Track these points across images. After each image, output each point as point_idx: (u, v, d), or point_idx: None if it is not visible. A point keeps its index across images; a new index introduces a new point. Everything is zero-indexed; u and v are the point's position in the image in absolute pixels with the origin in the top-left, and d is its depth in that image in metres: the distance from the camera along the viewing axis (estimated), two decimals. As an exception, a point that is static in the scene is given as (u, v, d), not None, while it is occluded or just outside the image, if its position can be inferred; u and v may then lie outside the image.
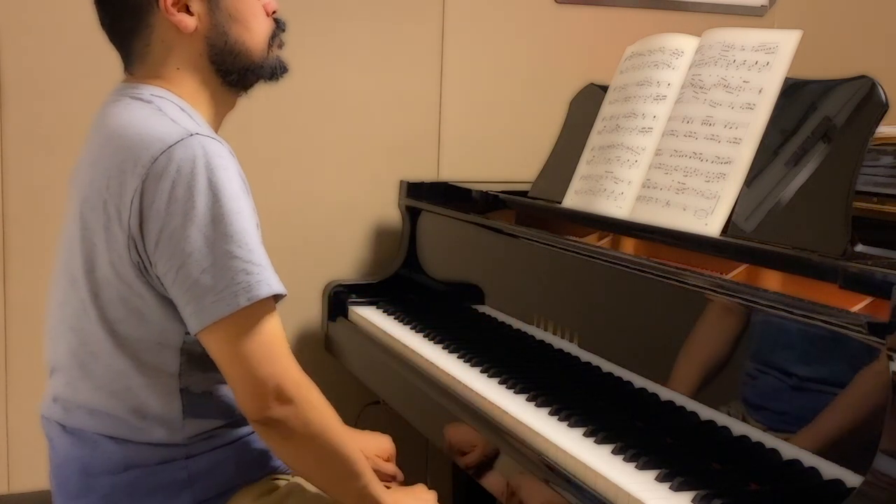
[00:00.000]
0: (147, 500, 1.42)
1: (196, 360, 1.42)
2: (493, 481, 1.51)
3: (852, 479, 1.14)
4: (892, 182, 1.71)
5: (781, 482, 1.23)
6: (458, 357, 1.81)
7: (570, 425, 1.45)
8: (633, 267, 1.53)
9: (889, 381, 1.09)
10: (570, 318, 1.70)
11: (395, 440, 1.76)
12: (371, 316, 2.17)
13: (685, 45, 1.75)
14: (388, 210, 2.43)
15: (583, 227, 1.82)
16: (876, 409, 1.11)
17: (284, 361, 1.36)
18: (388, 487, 1.53)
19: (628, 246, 1.76)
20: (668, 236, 1.58)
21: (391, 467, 1.69)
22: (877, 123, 1.40)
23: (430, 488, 1.60)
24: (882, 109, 1.40)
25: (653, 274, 1.48)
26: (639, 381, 1.52)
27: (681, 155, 1.63)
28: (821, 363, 1.22)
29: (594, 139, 1.88)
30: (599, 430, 1.40)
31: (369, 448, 1.68)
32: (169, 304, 1.37)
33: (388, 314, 2.16)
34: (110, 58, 1.52)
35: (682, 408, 1.42)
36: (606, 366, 1.60)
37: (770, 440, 1.26)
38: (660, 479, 1.26)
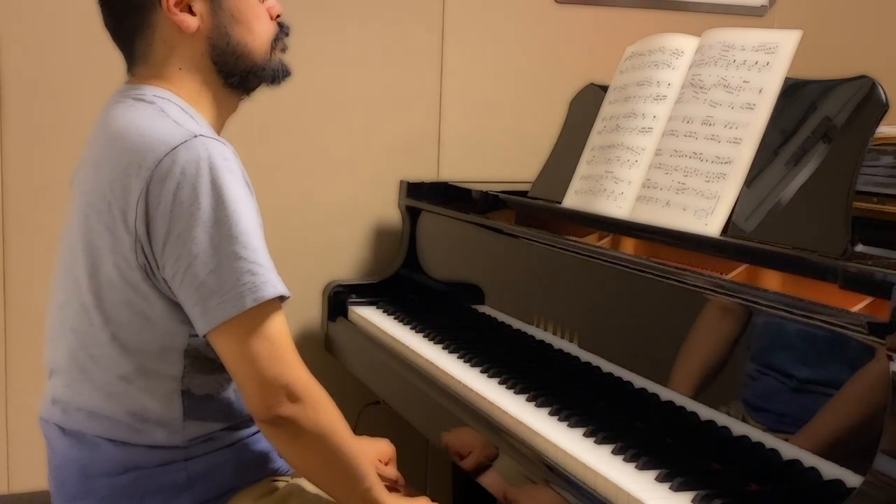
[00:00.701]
0: (146, 501, 1.42)
1: (200, 362, 1.42)
2: (492, 481, 1.51)
3: (852, 479, 1.14)
4: (892, 182, 1.71)
5: (781, 482, 1.23)
6: (458, 357, 1.81)
7: (570, 425, 1.45)
8: (633, 267, 1.53)
9: (889, 381, 1.09)
10: (570, 318, 1.70)
11: (394, 440, 1.76)
12: (371, 316, 2.17)
13: (685, 45, 1.75)
14: (388, 210, 2.43)
15: (583, 227, 1.82)
16: (876, 410, 1.10)
17: (292, 361, 1.37)
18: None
19: (628, 246, 1.76)
20: (668, 236, 1.58)
21: (392, 471, 1.69)
22: (877, 123, 1.40)
23: (430, 489, 1.60)
24: (882, 109, 1.40)
25: (653, 274, 1.48)
26: (639, 382, 1.52)
27: (681, 155, 1.63)
28: (821, 363, 1.22)
29: (594, 139, 1.88)
30: (599, 430, 1.40)
31: (369, 452, 1.68)
32: (174, 306, 1.38)
33: (388, 314, 2.16)
34: (110, 58, 1.52)
35: (683, 408, 1.42)
36: (606, 366, 1.60)
37: (770, 440, 1.26)
38: (660, 479, 1.26)
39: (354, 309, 2.24)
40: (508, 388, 1.63)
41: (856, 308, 1.18)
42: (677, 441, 1.38)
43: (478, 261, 2.06)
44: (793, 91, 1.53)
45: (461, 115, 2.50)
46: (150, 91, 1.43)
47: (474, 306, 2.03)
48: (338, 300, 2.28)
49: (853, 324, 1.14)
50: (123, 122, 1.40)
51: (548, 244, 1.77)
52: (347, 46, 2.39)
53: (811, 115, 1.49)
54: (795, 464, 1.23)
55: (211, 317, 1.33)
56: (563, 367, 1.68)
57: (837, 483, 1.17)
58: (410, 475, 1.75)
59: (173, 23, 1.43)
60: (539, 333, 1.79)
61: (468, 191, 2.18)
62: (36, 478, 1.73)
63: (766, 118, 1.53)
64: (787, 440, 1.24)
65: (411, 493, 1.60)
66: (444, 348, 1.87)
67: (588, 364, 1.64)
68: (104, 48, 1.51)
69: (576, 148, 1.93)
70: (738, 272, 1.44)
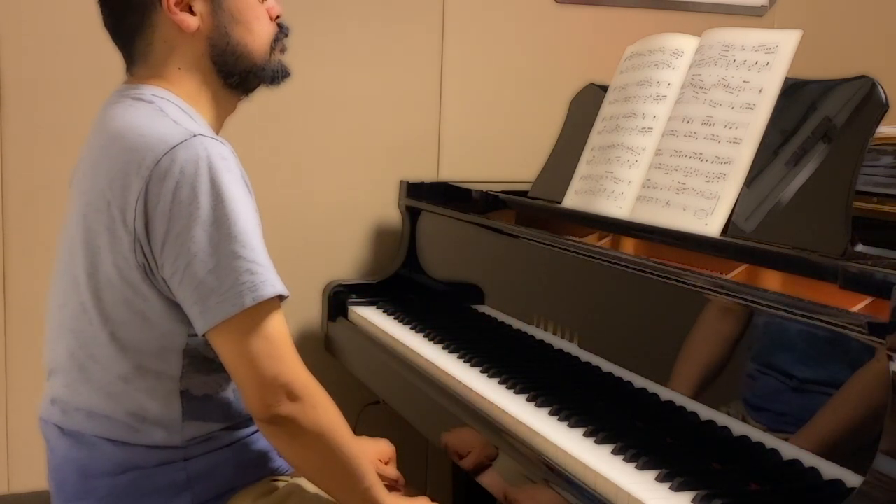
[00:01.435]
0: (146, 501, 1.42)
1: (198, 362, 1.42)
2: (492, 481, 1.51)
3: (852, 479, 1.14)
4: (892, 182, 1.71)
5: (781, 482, 1.23)
6: (458, 357, 1.81)
7: (570, 425, 1.45)
8: (633, 267, 1.53)
9: (889, 381, 1.09)
10: (570, 318, 1.70)
11: (394, 440, 1.76)
12: (371, 316, 2.17)
13: (685, 45, 1.75)
14: (388, 210, 2.43)
15: (583, 227, 1.82)
16: (876, 410, 1.10)
17: (291, 361, 1.37)
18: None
19: (628, 246, 1.76)
20: (668, 236, 1.58)
21: (392, 471, 1.69)
22: (877, 123, 1.40)
23: (430, 489, 1.60)
24: (882, 109, 1.40)
25: (653, 274, 1.48)
26: (639, 381, 1.52)
27: (681, 155, 1.63)
28: (821, 363, 1.22)
29: (594, 139, 1.88)
30: (599, 430, 1.40)
31: (369, 452, 1.68)
32: (173, 306, 1.37)
33: (388, 314, 2.16)
34: (110, 58, 1.52)
35: (683, 408, 1.42)
36: (606, 366, 1.60)
37: (770, 440, 1.26)
38: (660, 479, 1.26)
39: (354, 309, 2.24)
40: (508, 387, 1.63)
41: (856, 308, 1.18)
42: (677, 441, 1.38)
43: (478, 261, 2.06)
44: (793, 91, 1.53)
45: (461, 115, 2.50)
46: (149, 90, 1.43)
47: (474, 306, 2.03)
48: (338, 300, 2.28)
49: (853, 324, 1.14)
50: (122, 121, 1.40)
51: (548, 244, 1.77)
52: (347, 46, 2.39)
53: (811, 115, 1.49)
54: (795, 464, 1.23)
55: (210, 316, 1.33)
56: (563, 367, 1.68)
57: (837, 483, 1.17)
58: (410, 475, 1.75)
59: (173, 22, 1.43)
60: (539, 333, 1.79)
61: (468, 191, 2.18)
62: (36, 478, 1.72)
63: (766, 118, 1.53)
64: (787, 440, 1.24)
65: (411, 493, 1.59)
66: (444, 348, 1.87)
67: (588, 364, 1.64)
68: (104, 48, 1.51)
69: (576, 148, 1.93)
70: (738, 272, 1.44)
